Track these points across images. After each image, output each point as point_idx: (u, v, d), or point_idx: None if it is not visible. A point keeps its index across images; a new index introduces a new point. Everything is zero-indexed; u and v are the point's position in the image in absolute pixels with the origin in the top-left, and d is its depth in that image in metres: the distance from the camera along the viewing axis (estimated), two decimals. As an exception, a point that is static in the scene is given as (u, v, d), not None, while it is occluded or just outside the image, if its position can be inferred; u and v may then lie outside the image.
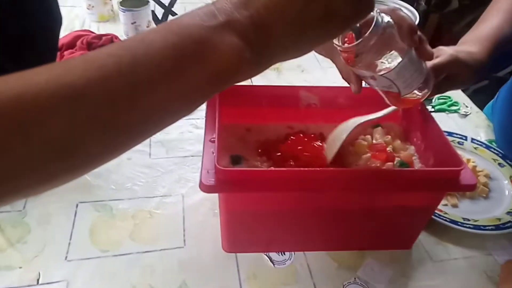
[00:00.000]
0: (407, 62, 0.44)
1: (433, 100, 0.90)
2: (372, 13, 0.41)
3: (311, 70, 0.99)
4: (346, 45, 0.44)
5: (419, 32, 0.44)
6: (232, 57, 0.28)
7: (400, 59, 0.44)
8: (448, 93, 0.92)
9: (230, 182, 0.46)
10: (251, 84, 0.90)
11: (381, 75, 0.45)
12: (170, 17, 1.14)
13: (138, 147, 0.74)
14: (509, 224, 0.63)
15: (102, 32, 1.04)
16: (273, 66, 1.05)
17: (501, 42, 0.59)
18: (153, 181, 0.69)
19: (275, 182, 0.47)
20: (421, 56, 0.46)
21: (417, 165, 0.58)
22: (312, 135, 0.62)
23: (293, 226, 0.55)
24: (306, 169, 0.47)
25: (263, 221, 0.54)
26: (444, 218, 0.63)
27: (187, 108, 0.30)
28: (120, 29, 1.04)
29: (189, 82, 0.27)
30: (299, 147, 0.56)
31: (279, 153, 0.57)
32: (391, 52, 0.44)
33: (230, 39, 0.28)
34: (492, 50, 0.58)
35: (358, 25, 0.43)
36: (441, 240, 0.62)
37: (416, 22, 1.05)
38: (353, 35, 0.43)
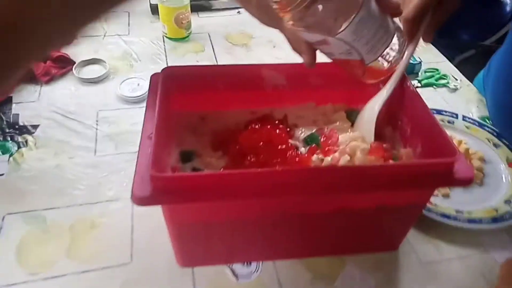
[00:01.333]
0: (365, 16, 0.34)
1: (419, 74, 0.81)
2: None
3: (283, 46, 0.88)
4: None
5: None
6: None
7: (354, 12, 0.34)
8: (436, 66, 0.83)
9: (169, 192, 0.37)
10: (211, 63, 0.80)
11: (335, 36, 0.35)
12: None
13: (83, 143, 0.65)
14: (507, 216, 0.55)
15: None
16: (241, 42, 0.92)
17: None
18: (98, 183, 0.59)
19: (225, 188, 0.37)
20: (384, 9, 0.36)
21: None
22: (277, 121, 0.53)
23: (257, 233, 0.46)
24: (262, 170, 0.38)
25: (221, 231, 0.45)
26: (435, 212, 0.54)
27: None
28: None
29: None
30: (260, 140, 0.47)
31: (237, 146, 0.47)
32: (345, 5, 0.34)
33: None
34: None
35: None
36: (432, 237, 0.54)
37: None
38: None
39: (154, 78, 0.50)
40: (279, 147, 0.49)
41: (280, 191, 0.38)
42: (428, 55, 0.85)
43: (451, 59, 2.03)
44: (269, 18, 0.42)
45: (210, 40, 0.88)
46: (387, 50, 0.39)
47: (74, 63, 0.77)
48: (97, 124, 0.68)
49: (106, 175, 0.60)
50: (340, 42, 0.36)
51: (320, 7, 0.34)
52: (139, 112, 0.70)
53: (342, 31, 0.35)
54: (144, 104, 0.72)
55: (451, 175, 0.39)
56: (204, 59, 0.83)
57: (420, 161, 0.42)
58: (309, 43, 0.40)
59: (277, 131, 0.50)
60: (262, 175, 0.38)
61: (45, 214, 0.54)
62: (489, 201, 0.58)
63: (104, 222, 0.54)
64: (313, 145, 0.50)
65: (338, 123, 0.54)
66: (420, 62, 0.80)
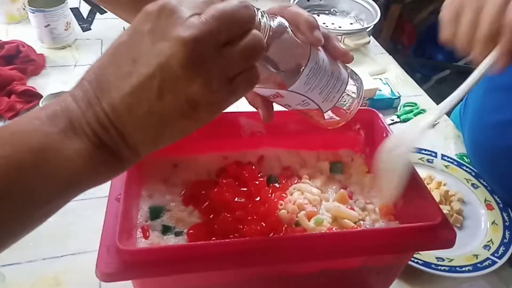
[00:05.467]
0: (314, 66, 0.35)
1: (399, 109, 0.81)
2: (256, 18, 0.31)
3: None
4: None
5: (323, 29, 0.36)
6: (82, 162, 0.26)
7: (303, 65, 0.34)
8: (414, 99, 0.83)
9: (138, 266, 0.34)
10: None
11: (287, 90, 0.35)
12: (98, 15, 0.97)
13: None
14: (487, 263, 0.54)
15: (12, 36, 0.87)
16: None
17: None
18: (63, 233, 0.55)
19: (199, 260, 0.35)
20: (334, 57, 0.37)
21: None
22: (253, 167, 0.51)
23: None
24: (235, 241, 0.35)
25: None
26: (416, 261, 0.53)
27: (38, 222, 0.28)
28: (33, 32, 0.87)
29: (33, 196, 0.25)
30: (234, 196, 0.45)
31: (207, 203, 0.45)
32: (293, 59, 0.35)
33: (77, 143, 0.26)
34: None
35: None
36: (413, 286, 0.53)
37: (377, 18, 0.94)
38: None
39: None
40: (256, 198, 0.47)
41: (258, 260, 0.36)
42: (407, 88, 0.86)
43: (428, 79, 2.07)
44: None
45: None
46: (344, 95, 0.38)
47: (41, 96, 0.73)
48: (64, 165, 0.64)
49: (72, 223, 0.56)
50: (294, 94, 0.36)
51: (267, 63, 0.34)
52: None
53: (292, 84, 0.35)
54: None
55: (434, 239, 0.38)
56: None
57: (402, 226, 0.41)
58: (264, 97, 0.39)
59: (256, 182, 0.48)
60: (236, 245, 0.36)
61: (3, 270, 0.50)
62: (468, 246, 0.58)
63: (69, 279, 0.50)
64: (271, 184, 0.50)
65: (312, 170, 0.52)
66: (399, 97, 0.80)
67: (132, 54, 0.26)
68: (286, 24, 0.34)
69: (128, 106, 0.26)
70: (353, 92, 0.39)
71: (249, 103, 0.42)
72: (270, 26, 0.32)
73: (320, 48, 0.36)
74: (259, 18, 0.31)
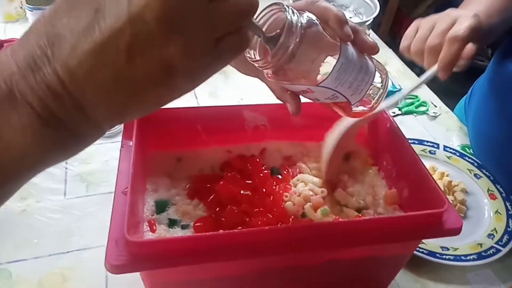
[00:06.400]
0: (345, 61, 0.35)
1: (399, 102, 0.80)
2: (284, 14, 0.31)
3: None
4: (258, 59, 0.34)
5: (351, 23, 0.36)
6: (25, 142, 0.21)
7: (334, 60, 0.34)
8: (415, 92, 0.83)
9: (147, 258, 0.34)
10: (185, 105, 0.77)
11: (318, 85, 0.35)
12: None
13: (51, 184, 0.61)
14: (491, 251, 0.55)
15: (10, 35, 0.86)
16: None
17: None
18: (68, 229, 0.55)
19: (208, 250, 0.35)
20: (361, 50, 0.37)
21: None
22: (257, 160, 0.51)
23: None
24: (241, 231, 0.36)
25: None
26: (421, 250, 0.54)
27: None
28: (32, 30, 0.86)
29: None
30: (240, 189, 0.45)
31: (212, 196, 0.45)
32: (323, 54, 0.34)
33: (17, 117, 0.21)
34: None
35: (272, 32, 0.33)
36: (419, 276, 0.53)
37: (376, 12, 0.94)
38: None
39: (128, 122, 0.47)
40: (263, 190, 0.47)
41: (267, 250, 0.36)
42: (407, 81, 0.86)
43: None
44: (248, 69, 0.41)
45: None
46: (371, 87, 0.38)
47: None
48: (66, 163, 0.64)
49: (77, 220, 0.56)
50: (324, 89, 0.36)
51: (299, 61, 0.33)
52: (112, 147, 0.67)
53: (324, 80, 0.35)
54: (118, 139, 0.69)
55: (440, 226, 0.38)
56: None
57: (409, 214, 0.41)
58: (293, 92, 0.39)
59: (261, 174, 0.49)
60: (244, 236, 0.36)
61: (10, 267, 0.50)
62: (473, 235, 0.58)
63: (76, 275, 0.50)
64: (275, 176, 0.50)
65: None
66: (400, 90, 0.80)
67: (94, 1, 0.20)
68: (316, 20, 0.34)
69: (88, 69, 0.20)
70: (379, 83, 0.39)
71: (277, 97, 0.41)
72: (302, 23, 0.31)
73: (348, 42, 0.36)
74: (290, 16, 0.31)
